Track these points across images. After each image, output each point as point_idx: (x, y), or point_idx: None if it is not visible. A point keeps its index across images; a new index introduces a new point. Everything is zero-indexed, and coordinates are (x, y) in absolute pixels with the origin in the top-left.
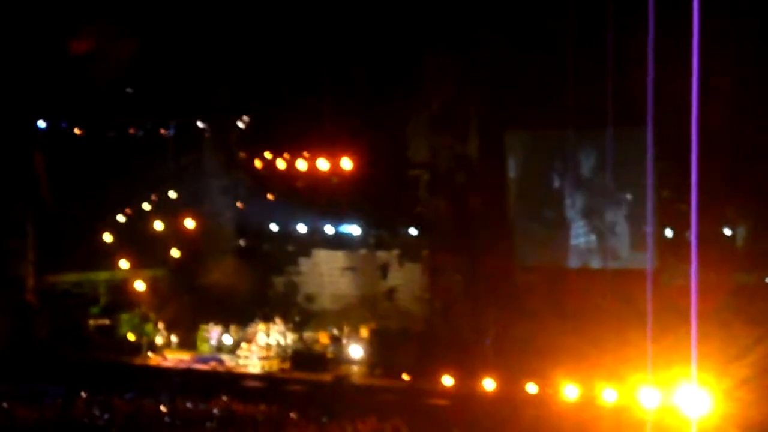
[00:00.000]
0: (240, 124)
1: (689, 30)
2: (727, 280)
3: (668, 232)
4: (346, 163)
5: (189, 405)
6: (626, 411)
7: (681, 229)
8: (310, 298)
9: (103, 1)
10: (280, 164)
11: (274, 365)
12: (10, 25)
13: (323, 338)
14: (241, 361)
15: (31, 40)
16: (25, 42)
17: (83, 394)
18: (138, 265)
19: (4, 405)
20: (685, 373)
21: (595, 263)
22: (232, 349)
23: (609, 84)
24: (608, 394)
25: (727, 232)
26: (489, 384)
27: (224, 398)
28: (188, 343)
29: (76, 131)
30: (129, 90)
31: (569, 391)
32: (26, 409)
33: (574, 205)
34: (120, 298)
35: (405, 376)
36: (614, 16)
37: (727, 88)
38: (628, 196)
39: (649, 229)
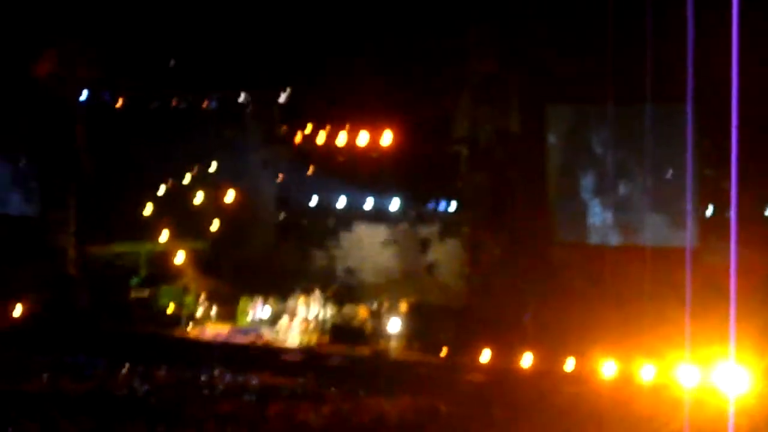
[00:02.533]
0: (281, 98)
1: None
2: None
3: (710, 211)
4: (387, 138)
5: (228, 377)
6: (664, 389)
7: (722, 207)
8: (349, 272)
9: None
10: (321, 138)
11: (313, 339)
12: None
13: (362, 312)
14: (281, 334)
15: (73, 12)
16: (68, 13)
17: (123, 366)
18: (179, 238)
19: (45, 376)
20: (724, 351)
21: (634, 240)
22: (272, 322)
23: (651, 59)
24: (646, 372)
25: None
26: (527, 360)
27: (263, 371)
28: (228, 315)
29: (118, 103)
30: (171, 62)
31: (607, 368)
32: (67, 380)
33: (613, 182)
34: (160, 270)
35: (443, 352)
36: None
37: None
38: (670, 174)
39: (689, 207)
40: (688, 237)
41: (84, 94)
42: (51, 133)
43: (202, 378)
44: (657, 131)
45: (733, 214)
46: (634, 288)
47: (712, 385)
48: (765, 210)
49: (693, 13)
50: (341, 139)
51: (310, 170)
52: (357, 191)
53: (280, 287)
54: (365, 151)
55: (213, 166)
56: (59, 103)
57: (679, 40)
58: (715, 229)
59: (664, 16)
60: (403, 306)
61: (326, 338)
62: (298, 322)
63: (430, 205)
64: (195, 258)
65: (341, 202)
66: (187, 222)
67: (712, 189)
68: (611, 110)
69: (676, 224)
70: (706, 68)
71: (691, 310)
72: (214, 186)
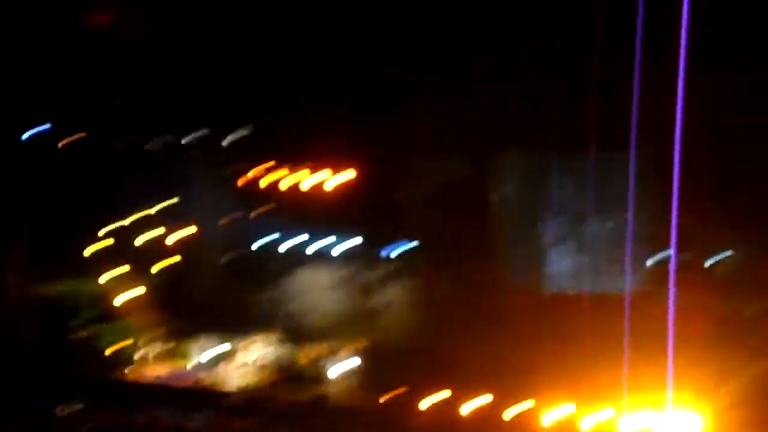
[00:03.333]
0: (227, 138)
1: (673, 53)
2: (707, 307)
3: (652, 259)
4: (337, 178)
5: (170, 419)
6: None
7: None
8: (297, 314)
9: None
10: (269, 177)
11: (258, 381)
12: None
13: (309, 354)
14: (224, 377)
15: (26, 48)
16: (19, 50)
17: (64, 406)
18: (123, 277)
19: None
20: (663, 398)
21: (577, 287)
22: (215, 364)
23: (595, 107)
24: (589, 419)
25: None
26: (474, 404)
27: (206, 413)
28: (171, 356)
29: (63, 142)
30: (117, 102)
31: (552, 414)
32: (9, 421)
33: (557, 228)
34: (106, 309)
35: (391, 394)
36: (600, 40)
37: (709, 113)
38: (612, 221)
39: (628, 254)
40: (628, 284)
41: (29, 132)
42: None
43: (143, 420)
44: (600, 178)
45: (672, 262)
46: (576, 334)
47: None
48: (705, 260)
49: (640, 62)
50: (290, 178)
51: (259, 210)
52: (307, 231)
53: (225, 328)
54: (315, 190)
55: (161, 205)
56: (7, 137)
57: (622, 88)
58: (657, 276)
59: (610, 65)
60: (351, 348)
61: (271, 381)
62: (242, 364)
63: (380, 246)
64: (139, 298)
65: (290, 243)
66: (132, 261)
67: (654, 237)
68: (559, 157)
69: (621, 271)
70: (650, 116)
71: (632, 357)
72: (161, 225)
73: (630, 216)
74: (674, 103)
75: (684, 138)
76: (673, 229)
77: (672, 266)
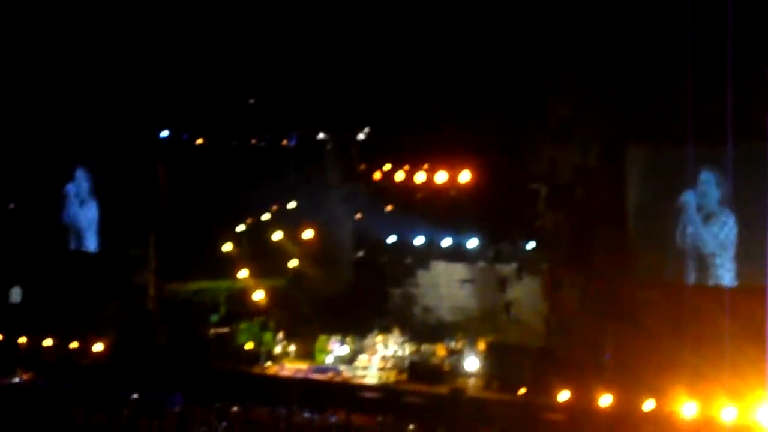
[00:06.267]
0: (360, 136)
1: None
2: None
3: None
4: (465, 176)
5: (306, 415)
6: (746, 430)
7: None
8: (427, 310)
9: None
10: (399, 176)
11: (392, 376)
12: (134, 39)
13: (440, 350)
14: (359, 372)
15: (155, 52)
16: (148, 54)
17: (201, 402)
18: (257, 275)
19: (125, 412)
20: None
21: (715, 280)
22: (350, 360)
23: (730, 100)
24: (728, 413)
25: None
26: (606, 400)
27: (341, 408)
28: (306, 352)
29: (198, 141)
30: (251, 101)
31: (687, 408)
32: (145, 416)
33: (693, 221)
34: (239, 307)
35: (522, 390)
36: (735, 31)
37: None
38: (750, 213)
39: None
40: None
41: (165, 133)
42: (131, 171)
43: (281, 415)
44: (738, 170)
45: None
46: (715, 327)
47: None
48: None
49: None
50: (419, 177)
51: (389, 208)
52: (435, 229)
53: (359, 325)
54: (443, 188)
55: (292, 204)
56: (139, 141)
57: (758, 80)
58: None
59: (743, 56)
60: (482, 344)
61: (404, 376)
62: (376, 359)
63: (509, 244)
64: (274, 295)
65: (419, 240)
66: (266, 259)
67: None
68: (691, 150)
69: (757, 263)
70: None
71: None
72: (292, 223)
73: None
74: None
75: None
76: None
77: None
